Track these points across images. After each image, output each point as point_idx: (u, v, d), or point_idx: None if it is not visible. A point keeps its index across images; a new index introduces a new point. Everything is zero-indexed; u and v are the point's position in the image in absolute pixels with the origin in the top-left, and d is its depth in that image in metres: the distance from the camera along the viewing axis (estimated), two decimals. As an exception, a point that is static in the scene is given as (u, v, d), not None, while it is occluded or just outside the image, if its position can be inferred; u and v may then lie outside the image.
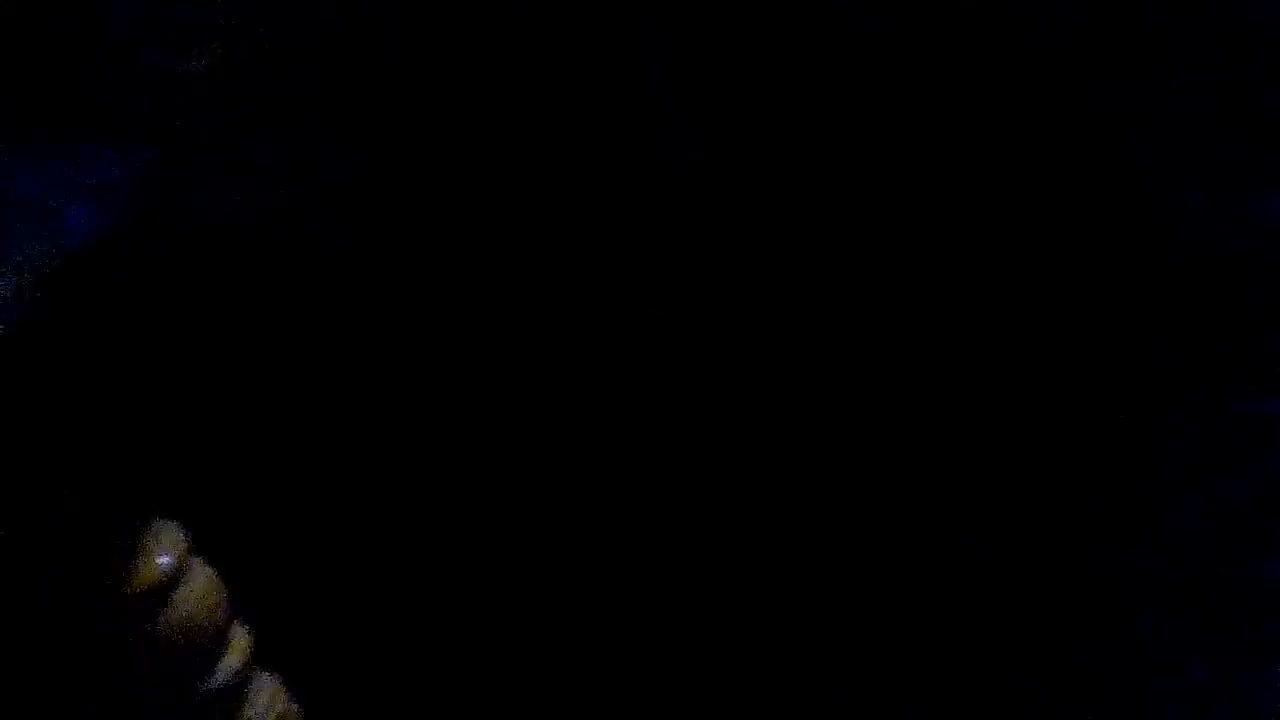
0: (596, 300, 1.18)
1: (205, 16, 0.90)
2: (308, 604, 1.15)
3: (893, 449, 1.30)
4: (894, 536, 1.29)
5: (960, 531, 1.29)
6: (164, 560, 0.86)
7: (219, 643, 0.89)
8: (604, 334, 1.19)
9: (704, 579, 1.27)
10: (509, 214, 1.16)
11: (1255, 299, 1.28)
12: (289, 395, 1.12)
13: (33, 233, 0.81)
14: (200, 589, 0.87)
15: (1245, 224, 1.28)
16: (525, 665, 1.23)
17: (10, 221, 0.82)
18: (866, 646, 1.28)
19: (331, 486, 1.16)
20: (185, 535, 0.88)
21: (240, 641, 0.90)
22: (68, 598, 0.85)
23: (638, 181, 1.19)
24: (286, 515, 1.15)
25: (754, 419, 1.27)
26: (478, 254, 1.14)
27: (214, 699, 0.89)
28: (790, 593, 1.29)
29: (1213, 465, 1.30)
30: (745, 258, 1.24)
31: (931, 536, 1.29)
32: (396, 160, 1.11)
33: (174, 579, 0.86)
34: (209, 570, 0.88)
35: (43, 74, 0.87)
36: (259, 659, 0.93)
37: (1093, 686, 1.28)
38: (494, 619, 1.22)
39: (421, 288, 1.14)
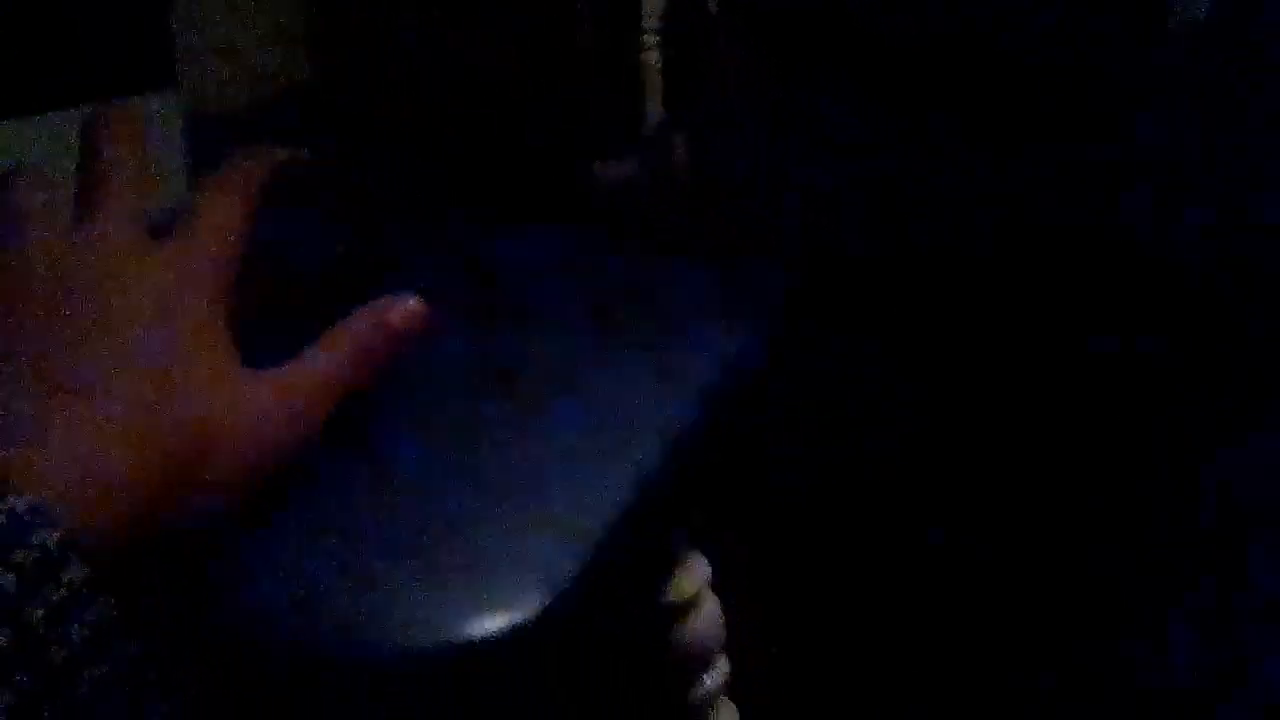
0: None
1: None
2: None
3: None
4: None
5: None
6: (689, 588, 1.02)
7: (707, 665, 1.05)
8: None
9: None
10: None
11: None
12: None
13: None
14: (707, 617, 1.03)
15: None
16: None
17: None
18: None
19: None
20: (709, 568, 1.04)
21: (721, 669, 1.06)
22: (634, 604, 1.00)
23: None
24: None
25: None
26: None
27: (694, 707, 1.05)
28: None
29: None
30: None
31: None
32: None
33: (693, 604, 1.03)
34: (716, 602, 1.05)
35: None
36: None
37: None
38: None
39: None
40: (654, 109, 1.10)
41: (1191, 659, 1.35)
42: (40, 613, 0.57)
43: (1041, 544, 1.37)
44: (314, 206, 0.96)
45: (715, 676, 1.02)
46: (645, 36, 1.10)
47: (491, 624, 0.75)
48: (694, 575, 0.99)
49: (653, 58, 1.10)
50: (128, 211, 0.76)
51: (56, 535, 0.57)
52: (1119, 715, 1.35)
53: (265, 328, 0.84)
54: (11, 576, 0.56)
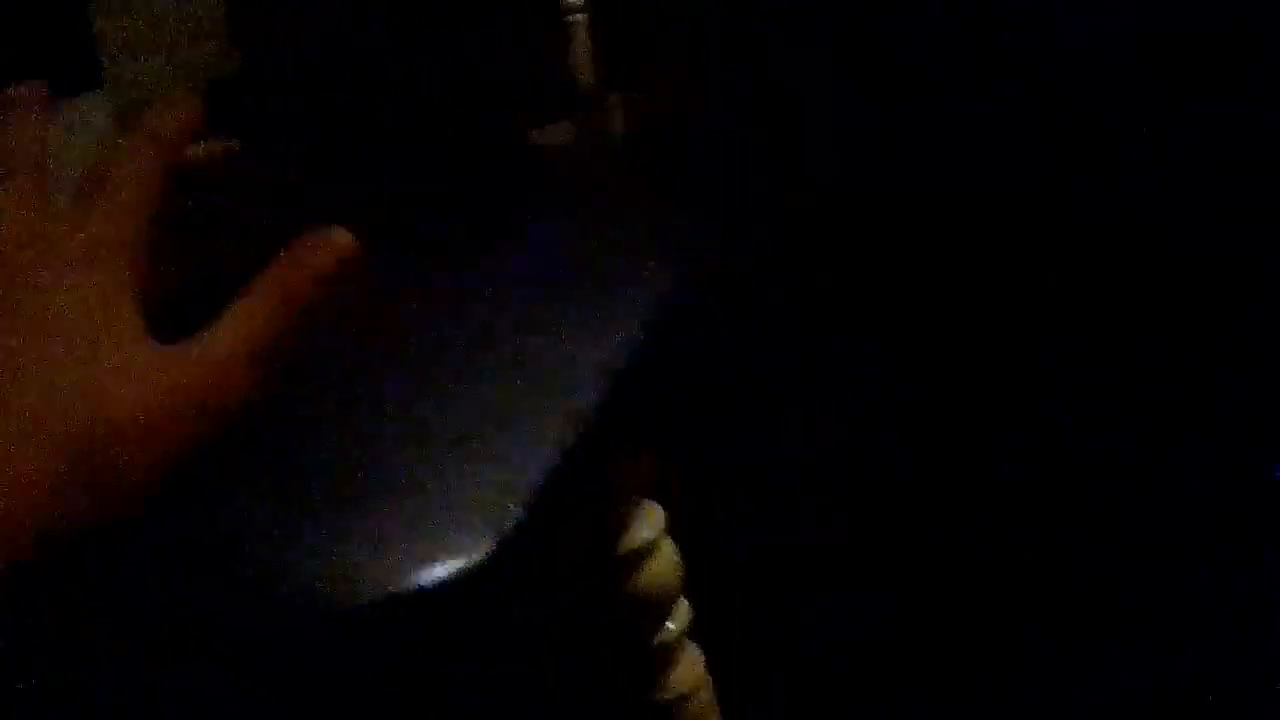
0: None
1: None
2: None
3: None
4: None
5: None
6: (645, 535, 1.04)
7: (668, 609, 1.07)
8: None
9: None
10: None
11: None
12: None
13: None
14: (665, 562, 1.05)
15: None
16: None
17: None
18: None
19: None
20: (664, 516, 1.06)
21: (683, 612, 1.07)
22: (586, 552, 1.02)
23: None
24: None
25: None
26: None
27: (655, 654, 1.07)
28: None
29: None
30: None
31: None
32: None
33: (649, 550, 1.04)
34: (673, 547, 1.06)
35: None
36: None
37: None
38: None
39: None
40: (586, 72, 1.11)
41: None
42: None
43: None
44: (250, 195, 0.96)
45: (677, 620, 1.02)
46: (574, -1, 1.10)
47: (440, 573, 0.76)
48: (649, 522, 1.00)
49: (583, 20, 1.10)
50: (30, 186, 0.69)
51: None
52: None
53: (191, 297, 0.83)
54: None
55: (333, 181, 1.05)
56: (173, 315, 0.76)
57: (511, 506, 0.78)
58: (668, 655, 1.03)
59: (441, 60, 1.10)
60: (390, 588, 0.74)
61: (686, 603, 1.04)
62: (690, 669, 1.05)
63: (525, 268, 0.98)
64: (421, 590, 0.74)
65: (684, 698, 1.04)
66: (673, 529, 1.02)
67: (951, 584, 1.48)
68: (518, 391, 0.86)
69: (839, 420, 1.50)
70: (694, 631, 1.05)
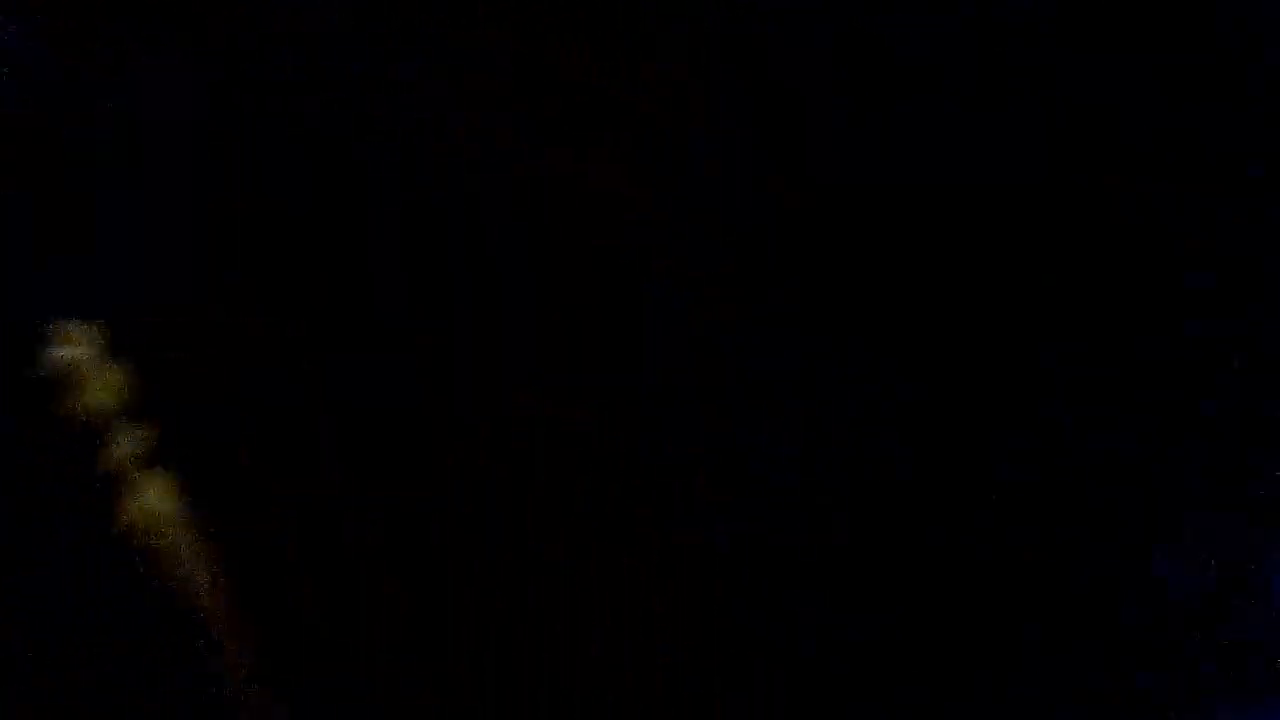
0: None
1: None
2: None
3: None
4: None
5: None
6: (63, 353, 0.99)
7: (105, 434, 1.02)
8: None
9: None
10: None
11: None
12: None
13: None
14: (98, 386, 1.04)
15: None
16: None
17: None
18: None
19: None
20: (96, 336, 1.00)
21: (129, 439, 1.01)
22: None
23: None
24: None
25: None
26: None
27: (107, 475, 1.04)
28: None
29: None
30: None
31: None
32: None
33: (72, 371, 0.99)
34: (114, 371, 1.00)
35: None
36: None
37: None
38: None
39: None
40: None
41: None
42: None
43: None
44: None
45: (124, 446, 1.05)
46: None
47: None
48: (68, 343, 1.01)
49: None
50: None
51: None
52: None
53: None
54: None
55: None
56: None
57: None
58: (118, 484, 1.05)
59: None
60: None
61: (139, 432, 1.06)
62: (154, 502, 1.04)
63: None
64: None
65: (146, 532, 1.03)
66: (122, 349, 1.02)
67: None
68: None
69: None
70: (156, 462, 1.07)
